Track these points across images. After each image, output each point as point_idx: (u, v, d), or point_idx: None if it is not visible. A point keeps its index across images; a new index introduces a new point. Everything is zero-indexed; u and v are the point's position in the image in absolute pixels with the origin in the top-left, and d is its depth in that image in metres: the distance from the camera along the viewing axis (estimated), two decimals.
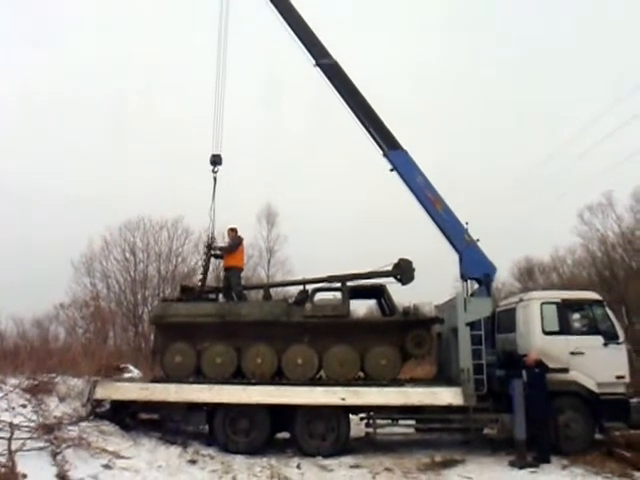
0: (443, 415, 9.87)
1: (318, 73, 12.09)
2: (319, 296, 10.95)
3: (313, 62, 12.09)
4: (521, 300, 10.87)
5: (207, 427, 10.48)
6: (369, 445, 10.46)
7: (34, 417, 8.55)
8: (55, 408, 9.41)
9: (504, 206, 33.48)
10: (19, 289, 23.96)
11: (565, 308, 10.23)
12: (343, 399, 9.75)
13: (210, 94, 12.19)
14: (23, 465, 6.92)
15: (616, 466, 8.89)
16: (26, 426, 8.05)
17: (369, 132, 12.01)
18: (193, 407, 10.15)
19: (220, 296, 12.02)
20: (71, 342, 16.65)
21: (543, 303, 10.31)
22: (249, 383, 10.24)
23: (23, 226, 33.33)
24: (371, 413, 10.13)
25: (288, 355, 10.57)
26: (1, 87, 50.98)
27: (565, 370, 9.85)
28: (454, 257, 11.63)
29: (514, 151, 43.52)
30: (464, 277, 11.51)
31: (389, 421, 10.28)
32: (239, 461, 9.39)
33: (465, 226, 11.53)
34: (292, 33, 12.12)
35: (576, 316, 10.31)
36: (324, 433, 9.94)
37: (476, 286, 11.52)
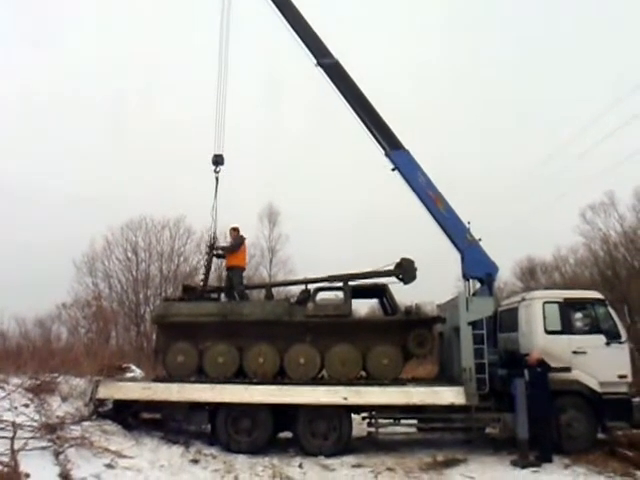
0: (445, 414, 9.88)
1: (319, 73, 12.08)
2: (321, 295, 10.95)
3: (314, 62, 12.07)
4: (523, 299, 10.87)
5: (209, 427, 10.48)
6: (371, 444, 10.47)
7: (37, 417, 8.58)
8: (57, 408, 9.43)
9: (505, 206, 33.44)
10: (21, 289, 24.01)
11: (567, 307, 10.23)
12: (345, 398, 9.75)
13: (210, 94, 12.23)
14: (26, 464, 6.94)
15: (618, 465, 8.89)
16: (29, 425, 8.07)
17: (371, 132, 12.00)
18: (195, 407, 10.17)
19: (222, 295, 12.04)
20: (73, 342, 16.67)
21: (545, 302, 10.31)
22: (251, 382, 10.24)
23: (23, 226, 33.37)
24: (373, 412, 10.14)
25: (290, 354, 10.58)
26: (1, 87, 51.15)
27: (567, 369, 9.85)
28: (456, 256, 11.61)
29: (514, 151, 43.52)
30: (466, 276, 11.50)
31: (391, 420, 10.29)
32: (241, 460, 9.40)
33: (467, 225, 11.52)
34: (293, 33, 12.10)
35: (578, 315, 10.31)
36: (326, 432, 9.95)
37: (478, 285, 11.50)
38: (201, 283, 11.94)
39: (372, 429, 10.13)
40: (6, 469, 6.73)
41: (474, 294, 11.21)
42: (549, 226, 30.31)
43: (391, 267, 11.33)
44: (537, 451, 9.27)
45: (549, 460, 9.14)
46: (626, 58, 41.53)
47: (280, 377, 10.62)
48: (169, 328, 11.02)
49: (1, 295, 17.62)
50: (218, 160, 12.09)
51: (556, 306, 10.24)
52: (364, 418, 10.40)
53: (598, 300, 10.41)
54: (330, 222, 36.84)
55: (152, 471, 8.33)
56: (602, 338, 9.95)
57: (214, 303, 11.44)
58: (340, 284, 11.01)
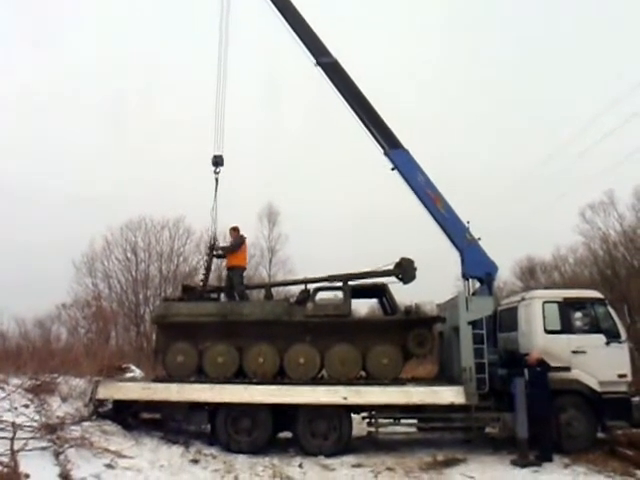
0: (445, 414, 9.88)
1: (318, 72, 12.10)
2: (320, 295, 10.95)
3: (313, 61, 12.08)
4: (523, 299, 10.87)
5: (209, 427, 10.48)
6: (371, 444, 10.47)
7: (36, 417, 8.58)
8: (57, 408, 9.44)
9: (505, 206, 33.50)
10: (21, 289, 23.99)
11: (567, 307, 10.23)
12: (345, 398, 9.76)
13: (210, 94, 12.22)
14: (26, 465, 6.95)
15: (618, 465, 8.90)
16: (29, 426, 8.08)
17: (370, 131, 12.02)
18: (195, 407, 10.18)
19: (222, 296, 12.03)
20: (73, 342, 16.63)
21: (545, 302, 10.31)
22: (251, 382, 10.25)
23: (23, 226, 33.35)
24: (373, 412, 10.14)
25: (290, 354, 10.58)
26: (1, 87, 51.09)
27: (567, 369, 9.85)
28: (455, 256, 11.63)
29: (514, 151, 43.50)
30: (466, 276, 11.51)
31: (391, 420, 10.30)
32: (241, 460, 9.40)
33: (466, 225, 11.53)
34: (292, 32, 12.11)
35: (578, 315, 10.31)
36: (326, 432, 9.95)
37: (478, 285, 11.52)
38: (201, 283, 11.94)
39: (372, 429, 10.13)
40: (6, 469, 6.73)
41: (474, 294, 11.23)
42: (549, 226, 30.33)
43: (391, 267, 11.33)
44: (537, 450, 9.28)
45: (549, 459, 9.15)
46: (626, 58, 41.55)
47: (280, 377, 10.62)
48: (169, 328, 11.02)
49: (1, 295, 17.61)
50: (218, 161, 12.10)
51: (556, 306, 10.24)
52: (364, 418, 10.40)
53: (598, 299, 10.42)
54: (329, 222, 36.85)
55: (152, 471, 8.34)
56: (602, 337, 9.95)
57: (214, 303, 11.45)
58: (340, 284, 11.01)
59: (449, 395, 9.76)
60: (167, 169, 41.37)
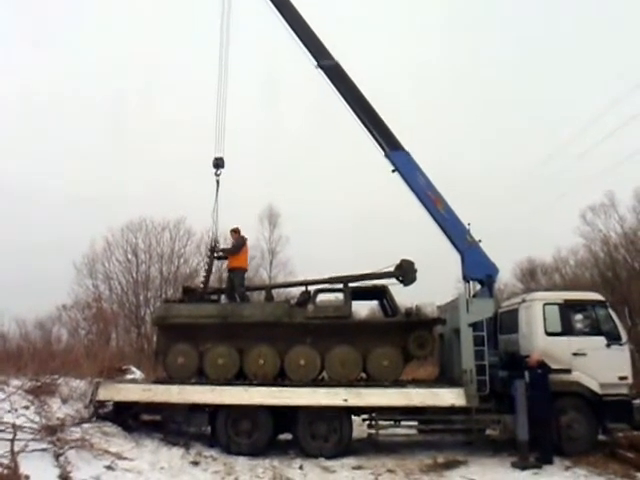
0: (445, 416, 9.87)
1: (319, 74, 12.09)
2: (321, 297, 10.97)
3: (315, 63, 12.07)
4: (523, 301, 10.86)
5: (209, 428, 10.47)
6: (371, 446, 10.46)
7: (37, 418, 8.59)
8: (58, 409, 9.45)
9: (505, 207, 33.56)
10: (21, 290, 24.01)
11: (567, 309, 10.22)
12: (345, 400, 9.75)
13: (211, 94, 12.22)
14: (26, 466, 6.94)
15: (619, 467, 8.88)
16: (29, 427, 8.09)
17: (370, 132, 12.00)
18: (195, 408, 10.17)
19: (222, 297, 12.03)
20: (73, 343, 16.66)
21: (545, 304, 10.30)
22: (251, 384, 10.24)
23: (23, 226, 33.40)
24: (373, 414, 10.15)
25: (290, 356, 10.57)
26: (1, 87, 51.19)
27: (567, 371, 9.84)
28: (456, 258, 11.60)
29: (514, 151, 43.54)
30: (466, 278, 11.49)
31: (391, 422, 10.27)
32: (241, 462, 9.40)
33: (467, 227, 11.52)
34: (293, 34, 12.10)
35: (579, 317, 10.29)
36: (326, 434, 9.94)
37: (478, 287, 11.50)
38: (202, 285, 11.94)
39: (372, 431, 10.13)
40: (6, 471, 6.73)
41: (474, 295, 11.21)
42: (549, 227, 30.38)
43: (391, 268, 11.32)
44: (537, 453, 9.27)
45: (549, 462, 9.13)
46: (626, 58, 41.56)
47: (280, 379, 10.61)
48: (169, 330, 11.02)
49: (1, 296, 17.61)
50: (219, 163, 12.08)
51: (556, 308, 10.23)
52: (364, 420, 10.41)
53: (598, 302, 10.41)
54: (330, 223, 36.86)
55: (152, 473, 8.33)
56: (602, 340, 9.93)
57: (214, 305, 11.43)
58: (340, 286, 11.01)
59: (449, 397, 9.75)
60: (167, 169, 41.56)
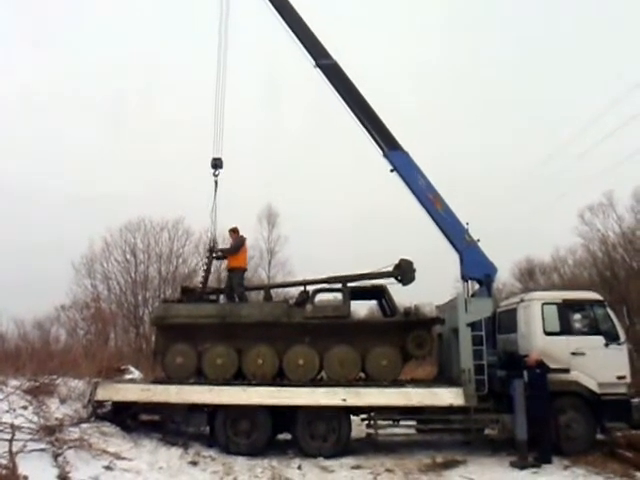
0: (444, 416, 9.87)
1: (318, 73, 12.09)
2: (320, 297, 10.97)
3: (313, 63, 12.08)
4: (522, 300, 10.86)
5: (208, 428, 10.47)
6: (370, 446, 10.46)
7: (35, 419, 8.58)
8: (56, 409, 9.44)
9: (504, 207, 33.60)
10: (20, 290, 23.99)
11: (566, 308, 10.22)
12: (344, 400, 9.75)
13: (210, 94, 12.20)
14: (24, 467, 6.93)
15: (618, 466, 8.89)
16: (27, 428, 8.08)
17: (369, 132, 12.01)
18: (194, 408, 10.16)
19: (221, 297, 12.02)
20: (72, 344, 16.66)
21: (544, 303, 10.31)
22: (250, 384, 10.23)
23: (23, 226, 33.38)
24: (372, 414, 10.14)
25: (289, 356, 10.57)
26: (1, 87, 51.12)
27: (566, 370, 9.84)
28: (455, 257, 11.62)
29: (514, 151, 43.56)
30: (465, 278, 11.50)
31: (390, 422, 10.28)
32: (240, 462, 9.40)
33: (466, 226, 11.52)
34: (292, 34, 12.11)
35: (577, 316, 10.29)
36: (325, 434, 9.94)
37: (477, 286, 11.52)
38: (200, 285, 11.93)
39: (371, 430, 10.13)
40: (4, 471, 6.72)
41: (473, 295, 11.23)
42: (548, 227, 30.43)
43: (390, 268, 11.32)
44: (536, 452, 9.28)
45: (548, 461, 9.14)
46: (626, 58, 41.61)
47: (279, 378, 10.62)
48: (168, 330, 11.01)
49: (0, 296, 17.59)
50: (217, 163, 12.08)
51: (555, 307, 10.24)
52: (363, 419, 10.39)
53: (597, 301, 10.42)
54: (329, 223, 36.88)
55: (151, 473, 8.33)
56: (601, 339, 9.94)
57: (213, 305, 11.43)
58: (339, 285, 11.01)
59: (448, 397, 9.75)
60: (166, 169, 41.53)
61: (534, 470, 8.82)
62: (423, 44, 53.83)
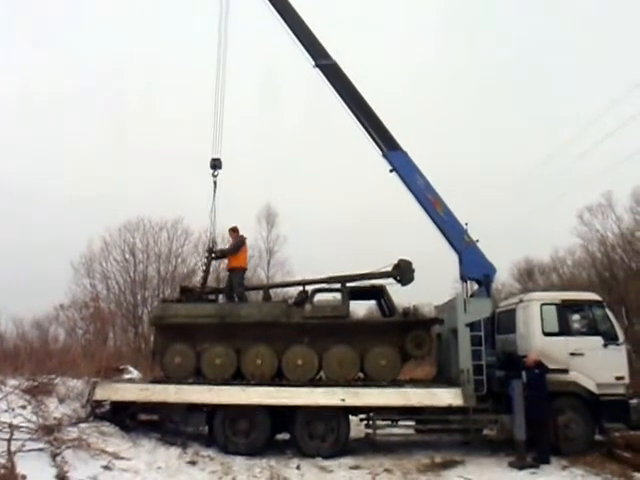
0: (443, 416, 9.87)
1: (317, 74, 12.09)
2: (319, 297, 10.96)
3: (312, 63, 12.09)
4: (521, 301, 10.87)
5: (207, 428, 10.47)
6: (369, 446, 10.46)
7: (34, 418, 8.57)
8: (55, 409, 9.44)
9: (503, 207, 33.59)
10: (20, 290, 23.97)
11: (565, 309, 10.23)
12: (343, 400, 9.75)
13: (210, 94, 12.20)
14: (23, 466, 6.92)
15: (616, 467, 8.90)
16: (26, 427, 8.07)
17: (368, 132, 12.01)
18: (193, 408, 10.15)
19: (220, 297, 12.01)
20: (71, 343, 16.62)
21: (543, 304, 10.31)
22: (249, 384, 10.23)
23: (23, 226, 33.36)
24: (371, 414, 10.13)
25: (288, 356, 10.57)
26: (1, 87, 51.06)
27: (565, 371, 9.85)
28: (454, 258, 11.63)
29: (514, 151, 43.60)
30: (464, 278, 11.51)
31: (389, 422, 10.27)
32: (239, 462, 9.40)
33: (465, 227, 11.53)
34: (291, 34, 12.12)
35: (576, 317, 10.29)
36: (324, 434, 9.94)
37: (476, 287, 11.53)
38: (199, 285, 11.92)
39: (370, 430, 10.12)
40: (3, 471, 6.72)
41: (472, 295, 11.24)
42: (547, 227, 30.38)
43: (389, 268, 11.32)
44: (535, 453, 9.28)
45: (547, 462, 9.15)
46: (626, 58, 41.68)
47: (278, 378, 10.61)
48: (167, 329, 11.01)
49: (0, 296, 17.58)
50: (216, 164, 12.07)
51: (554, 308, 10.25)
52: (362, 419, 10.39)
53: (596, 302, 10.42)
54: (328, 223, 36.87)
55: (149, 473, 8.33)
56: (600, 340, 9.95)
57: (212, 305, 11.42)
58: (338, 285, 11.01)
59: (447, 397, 9.75)
60: (166, 169, 41.49)
61: (532, 470, 8.82)
62: (422, 44, 53.88)
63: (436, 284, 21.25)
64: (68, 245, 28.52)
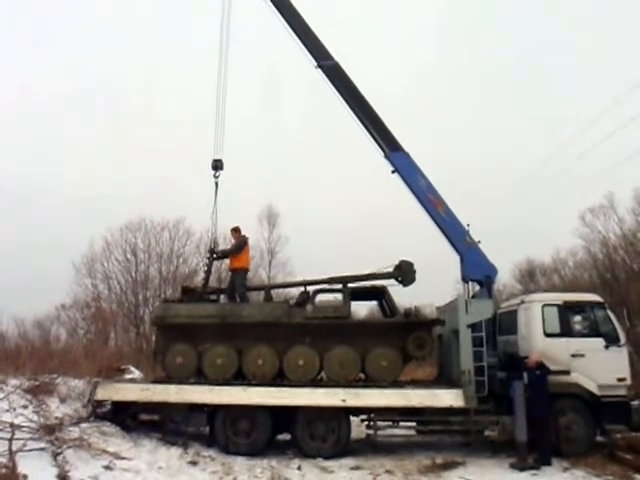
0: (444, 417, 9.86)
1: (319, 74, 12.09)
2: (320, 297, 10.96)
3: (314, 64, 12.08)
4: (522, 302, 10.85)
5: (208, 428, 10.47)
6: (370, 447, 10.47)
7: (35, 418, 8.59)
8: (56, 409, 9.45)
9: (504, 207, 33.55)
10: (21, 290, 24.00)
11: (566, 310, 10.21)
12: (344, 401, 9.74)
13: (210, 94, 12.22)
14: (24, 466, 6.93)
15: (617, 469, 8.88)
16: (27, 427, 8.08)
17: (370, 133, 12.01)
18: (194, 408, 10.15)
19: (221, 297, 12.01)
20: (72, 343, 16.70)
21: (544, 305, 10.30)
22: (250, 384, 10.23)
23: (23, 226, 33.40)
24: (372, 415, 10.13)
25: (289, 356, 10.57)
26: (1, 87, 51.17)
27: (566, 372, 9.83)
28: (455, 259, 11.62)
29: (514, 151, 43.58)
30: (465, 279, 11.51)
31: (390, 423, 10.28)
32: (240, 462, 9.40)
33: (466, 228, 11.53)
34: (293, 34, 12.12)
35: (577, 318, 10.27)
36: (325, 435, 9.94)
37: (477, 288, 11.52)
38: (201, 285, 11.92)
39: (371, 431, 10.12)
40: (4, 470, 6.73)
41: (473, 296, 11.24)
42: (548, 227, 30.38)
43: (390, 269, 11.31)
44: (536, 454, 9.27)
45: (548, 463, 9.14)
46: (626, 58, 41.66)
47: (279, 379, 10.61)
48: (168, 329, 11.01)
49: (1, 295, 17.60)
50: (217, 165, 12.07)
51: (555, 309, 10.23)
52: (363, 420, 10.39)
53: (597, 303, 10.41)
54: (329, 223, 36.89)
55: (150, 473, 8.33)
56: (601, 341, 9.93)
57: (213, 305, 11.43)
58: (339, 286, 11.01)
59: (448, 398, 9.74)
60: (167, 169, 41.53)
61: (534, 472, 8.81)
62: (422, 44, 53.92)
63: (437, 285, 21.24)
64: (68, 245, 28.62)
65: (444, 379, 11.46)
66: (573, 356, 9.88)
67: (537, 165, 43.71)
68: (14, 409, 8.52)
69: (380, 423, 10.12)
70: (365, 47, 45.47)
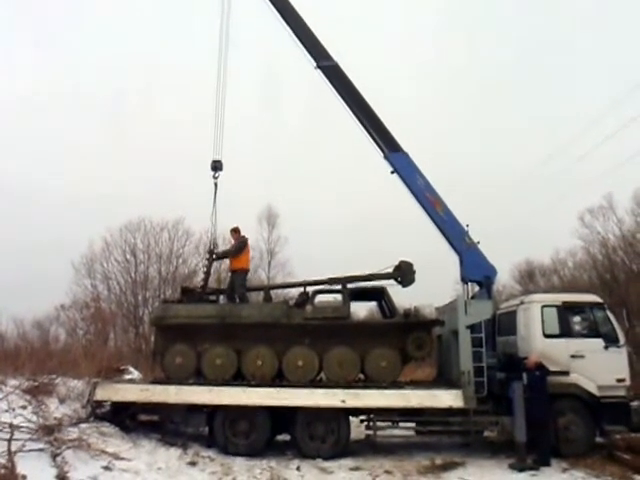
0: (443, 418, 9.86)
1: (319, 75, 12.10)
2: (320, 298, 10.95)
3: (314, 64, 12.09)
4: (522, 303, 10.86)
5: (207, 429, 10.46)
6: (369, 447, 10.46)
7: (34, 418, 8.58)
8: (55, 409, 9.44)
9: (504, 207, 33.54)
10: (20, 290, 23.98)
11: (566, 311, 10.22)
12: (343, 401, 9.74)
13: (210, 94, 12.21)
14: (23, 466, 6.93)
15: (617, 469, 8.88)
16: (26, 427, 8.08)
17: (369, 134, 12.02)
18: (193, 409, 10.15)
19: (221, 298, 12.00)
20: (71, 343, 16.66)
21: (544, 306, 10.30)
22: (249, 385, 10.23)
23: (23, 226, 33.39)
24: (371, 415, 10.12)
25: (288, 357, 10.56)
26: (1, 87, 51.14)
27: (565, 373, 9.83)
28: (455, 259, 11.63)
29: (514, 151, 43.60)
30: (465, 279, 11.52)
31: (389, 423, 10.27)
32: (239, 463, 9.39)
33: (466, 228, 11.54)
34: (293, 35, 12.13)
35: (577, 319, 10.27)
36: (324, 435, 9.93)
37: (477, 288, 11.52)
38: (201, 286, 11.91)
39: (370, 432, 10.12)
40: (3, 471, 6.72)
41: (473, 297, 11.25)
42: (548, 227, 30.37)
43: (390, 270, 11.31)
44: (535, 455, 9.27)
45: (547, 464, 9.14)
46: (626, 58, 41.70)
47: (278, 380, 10.61)
48: (167, 330, 11.01)
49: (0, 296, 17.59)
50: (217, 166, 12.06)
51: (554, 310, 10.23)
52: (362, 421, 10.38)
53: (596, 304, 10.41)
54: (329, 224, 36.88)
55: (149, 473, 8.33)
56: (600, 342, 9.93)
57: (212, 305, 11.42)
58: (339, 286, 11.01)
59: (447, 399, 9.74)
60: (167, 169, 41.53)
61: (533, 472, 8.82)
62: (422, 44, 53.96)
63: (437, 285, 21.23)
64: (68, 245, 28.60)
65: (443, 380, 11.46)
66: (572, 357, 9.88)
67: (537, 165, 43.78)
68: (13, 409, 8.52)
69: (379, 424, 10.11)
70: (365, 47, 45.58)
